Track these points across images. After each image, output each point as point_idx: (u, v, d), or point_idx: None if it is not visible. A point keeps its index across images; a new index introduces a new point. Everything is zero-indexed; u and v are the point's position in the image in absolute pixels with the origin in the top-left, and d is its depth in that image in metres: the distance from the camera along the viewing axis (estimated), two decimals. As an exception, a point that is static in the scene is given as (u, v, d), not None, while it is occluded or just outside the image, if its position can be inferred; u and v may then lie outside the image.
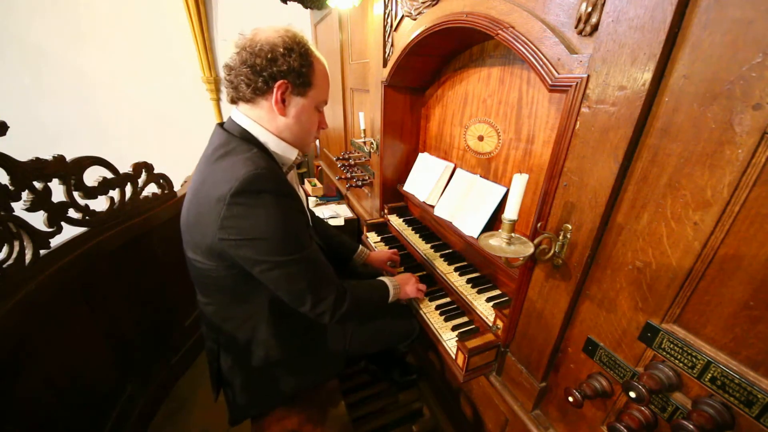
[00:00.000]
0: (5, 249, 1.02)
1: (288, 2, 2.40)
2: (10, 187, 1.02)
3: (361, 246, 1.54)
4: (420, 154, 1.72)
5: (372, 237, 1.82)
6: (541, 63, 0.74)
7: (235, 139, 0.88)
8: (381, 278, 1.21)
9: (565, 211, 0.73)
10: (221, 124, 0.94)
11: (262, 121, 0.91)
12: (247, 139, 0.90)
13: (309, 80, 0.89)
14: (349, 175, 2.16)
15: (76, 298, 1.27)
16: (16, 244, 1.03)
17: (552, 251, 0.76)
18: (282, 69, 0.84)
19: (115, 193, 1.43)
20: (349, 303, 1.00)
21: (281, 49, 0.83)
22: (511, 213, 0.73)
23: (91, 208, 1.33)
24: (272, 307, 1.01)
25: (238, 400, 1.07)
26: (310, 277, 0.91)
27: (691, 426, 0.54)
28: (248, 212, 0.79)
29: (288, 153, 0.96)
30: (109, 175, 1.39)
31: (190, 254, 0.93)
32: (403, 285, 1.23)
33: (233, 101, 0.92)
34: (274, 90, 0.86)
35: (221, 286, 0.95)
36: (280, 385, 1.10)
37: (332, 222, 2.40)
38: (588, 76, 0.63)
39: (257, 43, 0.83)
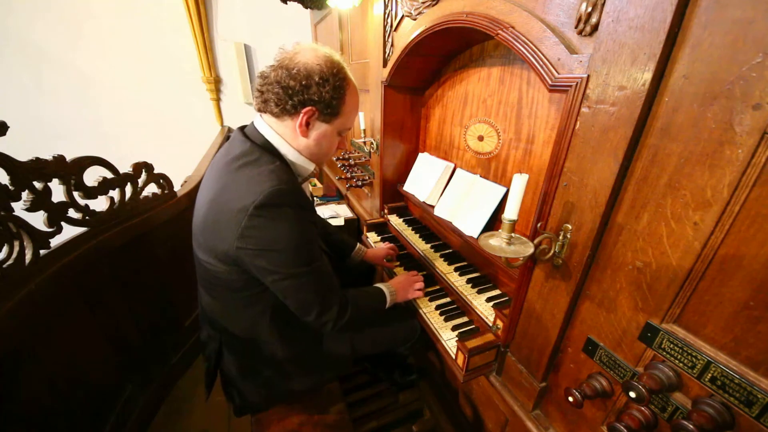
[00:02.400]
0: (5, 249, 1.02)
1: (288, 2, 2.40)
2: (10, 187, 1.02)
3: (359, 244, 1.56)
4: (420, 154, 1.72)
5: (372, 237, 1.82)
6: (541, 63, 0.74)
7: (258, 149, 0.90)
8: (378, 285, 1.24)
9: (565, 211, 0.73)
10: (242, 129, 0.96)
11: (286, 136, 0.94)
12: (269, 150, 0.92)
13: (337, 111, 0.92)
14: (349, 175, 2.16)
15: (76, 298, 1.27)
16: (16, 244, 1.03)
17: (552, 251, 0.76)
18: (313, 98, 0.86)
19: (115, 193, 1.42)
20: (351, 313, 1.04)
21: (317, 78, 0.85)
22: (511, 213, 0.73)
23: (91, 208, 1.32)
24: (277, 309, 1.03)
25: (240, 397, 1.09)
26: (317, 289, 0.95)
27: (691, 426, 0.54)
28: (268, 224, 0.82)
29: (306, 165, 0.99)
30: (109, 175, 1.38)
31: (201, 256, 0.95)
32: (399, 290, 1.26)
33: (260, 110, 0.94)
34: (301, 114, 0.88)
35: (230, 288, 0.97)
36: (284, 385, 1.11)
37: (332, 222, 2.40)
38: (588, 76, 0.63)
39: (295, 66, 0.84)
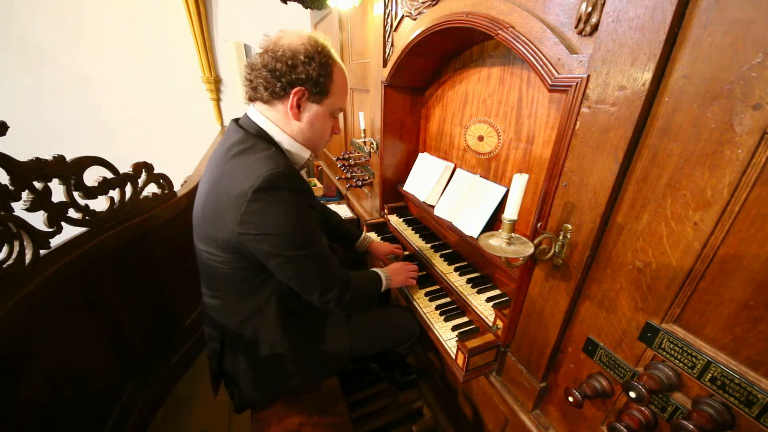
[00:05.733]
0: (5, 249, 1.02)
1: (288, 2, 2.40)
2: (10, 187, 1.02)
3: (364, 233, 1.57)
4: (420, 154, 1.72)
5: (372, 237, 1.82)
6: (541, 63, 0.74)
7: (252, 137, 0.91)
8: (374, 269, 1.27)
9: (565, 211, 0.73)
10: (236, 121, 0.97)
11: (278, 123, 0.94)
12: (263, 137, 0.93)
13: (326, 89, 0.92)
14: (349, 175, 2.16)
15: (76, 298, 1.27)
16: (16, 244, 1.03)
17: (552, 251, 0.76)
18: (300, 77, 0.86)
19: (115, 193, 1.42)
20: (352, 292, 1.07)
21: (302, 57, 0.85)
22: (511, 213, 0.73)
23: (91, 208, 1.32)
24: (278, 303, 1.04)
25: (239, 393, 1.10)
26: (319, 270, 0.97)
27: (691, 426, 0.54)
28: (267, 208, 0.83)
29: (301, 152, 0.99)
30: (109, 175, 1.38)
31: (202, 246, 0.96)
32: (394, 275, 1.29)
33: (251, 99, 0.95)
34: (291, 96, 0.88)
35: (230, 280, 0.99)
36: (284, 381, 1.12)
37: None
38: (588, 76, 0.63)
39: (280, 48, 0.85)
